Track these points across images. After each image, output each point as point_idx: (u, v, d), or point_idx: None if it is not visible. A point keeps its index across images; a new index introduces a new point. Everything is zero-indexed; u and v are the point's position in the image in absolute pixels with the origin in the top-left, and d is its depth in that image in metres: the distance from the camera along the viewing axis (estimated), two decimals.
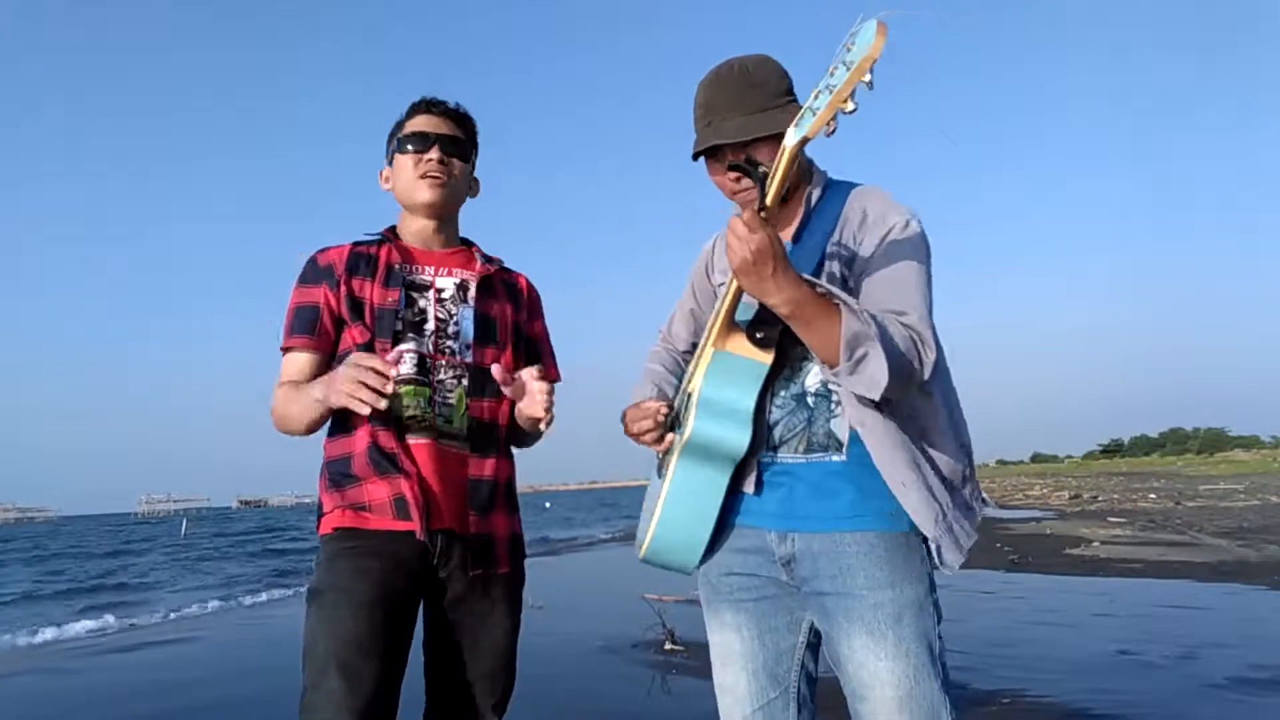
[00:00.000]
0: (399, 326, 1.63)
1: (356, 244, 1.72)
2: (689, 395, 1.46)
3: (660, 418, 1.47)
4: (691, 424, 1.40)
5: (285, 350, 1.68)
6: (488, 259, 1.80)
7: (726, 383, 1.41)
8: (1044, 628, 5.47)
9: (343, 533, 1.59)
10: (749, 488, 1.46)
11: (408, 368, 1.54)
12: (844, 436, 1.41)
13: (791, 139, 1.19)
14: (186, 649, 6.58)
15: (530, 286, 1.87)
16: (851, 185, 1.50)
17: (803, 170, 1.49)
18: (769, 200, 1.24)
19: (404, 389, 1.54)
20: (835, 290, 1.28)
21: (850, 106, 1.09)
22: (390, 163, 1.78)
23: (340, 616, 1.50)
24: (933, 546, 1.37)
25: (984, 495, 1.47)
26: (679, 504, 1.43)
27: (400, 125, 1.77)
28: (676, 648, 5.06)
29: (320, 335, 1.66)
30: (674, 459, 1.43)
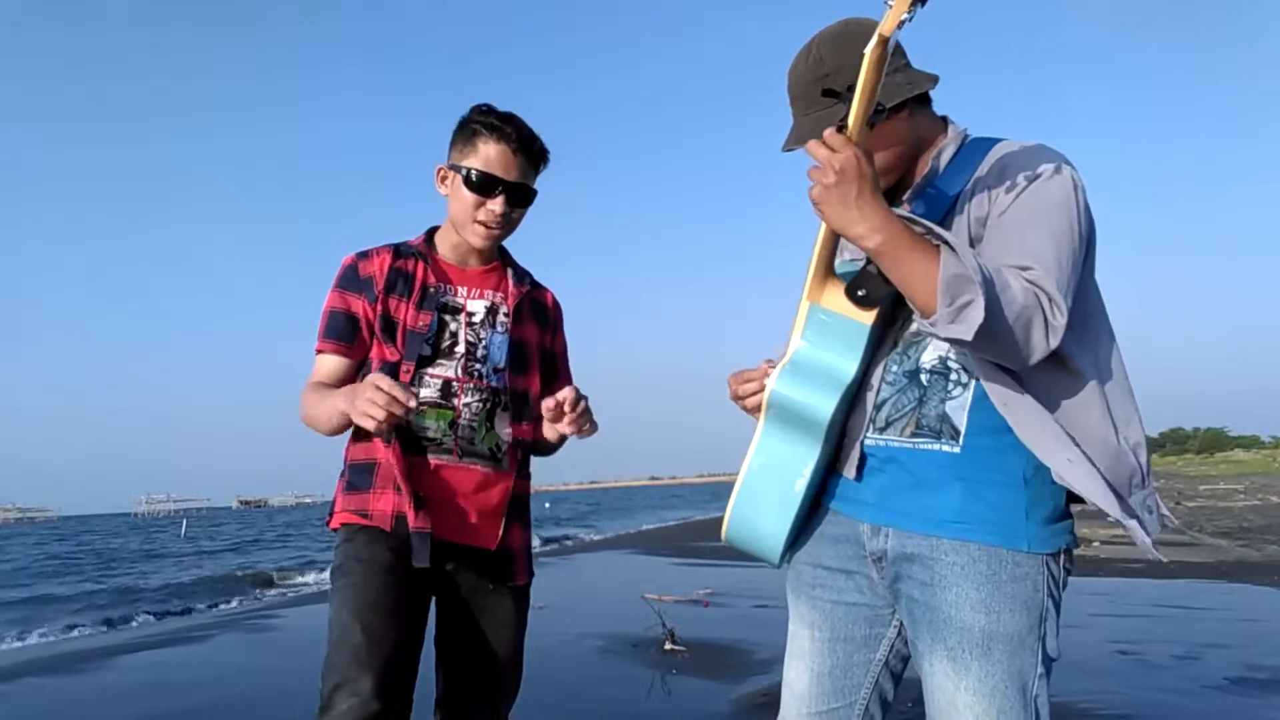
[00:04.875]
0: (426, 351, 1.66)
1: (397, 254, 1.72)
2: (784, 355, 1.31)
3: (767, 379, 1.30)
4: (773, 382, 1.27)
5: (318, 351, 1.71)
6: (519, 276, 1.80)
7: (820, 342, 1.27)
8: None
9: (351, 525, 1.66)
10: (849, 472, 1.31)
11: (430, 392, 1.64)
12: (961, 424, 1.23)
13: (869, 42, 1.08)
14: (189, 649, 6.58)
15: (555, 303, 1.89)
16: (996, 140, 1.31)
17: (922, 127, 1.33)
18: (852, 117, 1.12)
19: (427, 411, 1.64)
20: (936, 228, 1.13)
21: None
22: (451, 168, 1.70)
23: (362, 582, 1.57)
24: (1128, 526, 1.17)
25: (1164, 511, 1.24)
26: (759, 478, 1.30)
27: (470, 140, 1.67)
28: (676, 648, 5.06)
29: (356, 344, 1.70)
30: (759, 424, 1.30)
